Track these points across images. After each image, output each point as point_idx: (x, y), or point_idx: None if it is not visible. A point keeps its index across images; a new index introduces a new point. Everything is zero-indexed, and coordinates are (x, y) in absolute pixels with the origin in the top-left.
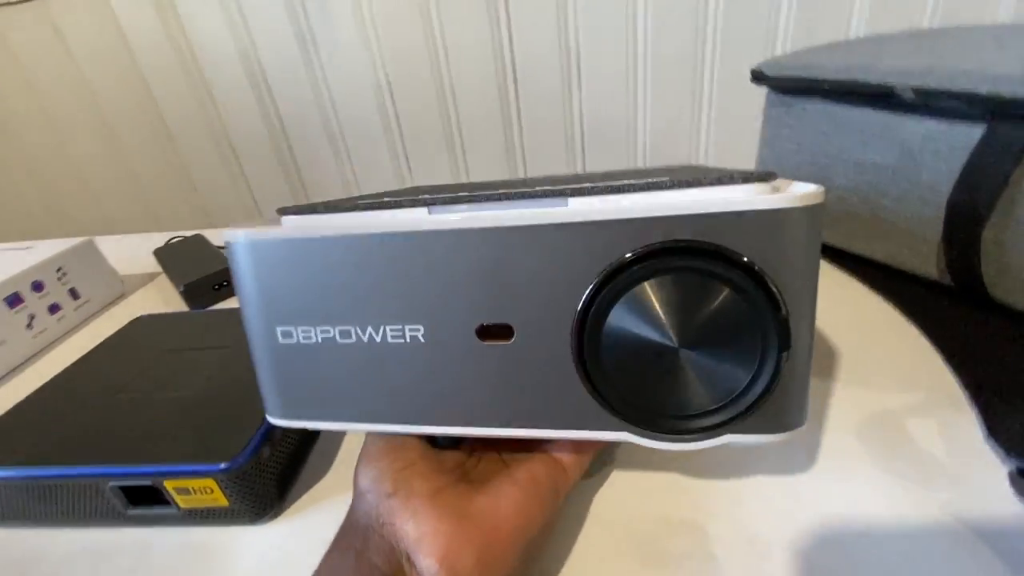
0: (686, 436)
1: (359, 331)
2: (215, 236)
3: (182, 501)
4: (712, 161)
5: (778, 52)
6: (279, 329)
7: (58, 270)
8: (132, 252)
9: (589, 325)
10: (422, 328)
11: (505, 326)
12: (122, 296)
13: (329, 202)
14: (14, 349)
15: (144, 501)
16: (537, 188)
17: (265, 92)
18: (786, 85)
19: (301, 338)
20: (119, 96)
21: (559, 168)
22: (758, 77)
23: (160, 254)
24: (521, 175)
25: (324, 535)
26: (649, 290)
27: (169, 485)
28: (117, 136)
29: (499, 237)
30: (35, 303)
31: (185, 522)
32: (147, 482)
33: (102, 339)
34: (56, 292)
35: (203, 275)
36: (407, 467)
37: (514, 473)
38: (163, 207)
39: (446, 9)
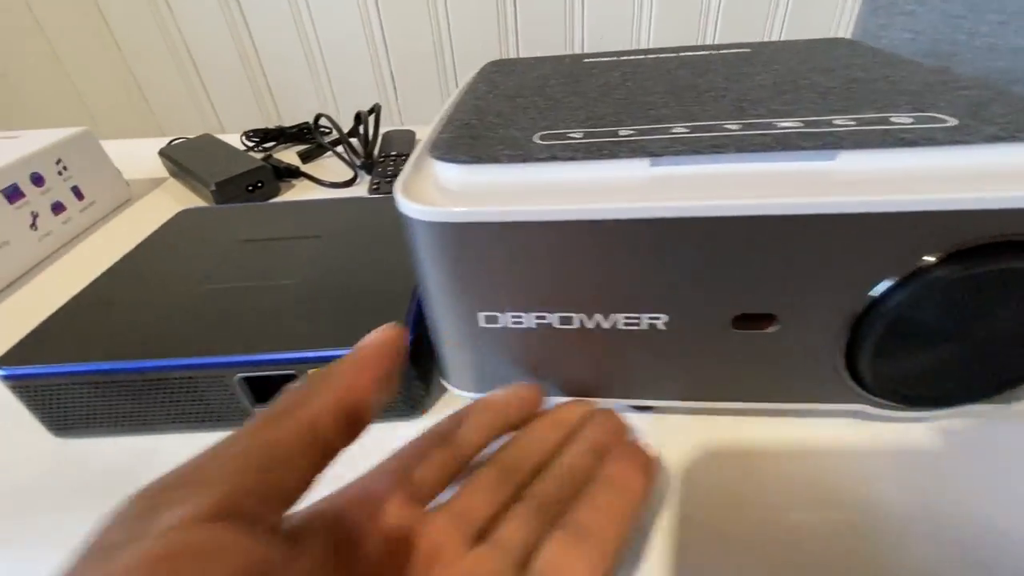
0: (924, 407)
1: (584, 319)
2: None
3: None
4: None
5: None
6: (482, 314)
7: (58, 162)
8: (128, 155)
9: (873, 318)
10: (666, 317)
11: (767, 315)
12: (128, 201)
13: (503, 139)
14: (20, 252)
15: (269, 397)
16: (771, 130)
17: (235, 7)
18: None
19: (510, 323)
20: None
21: None
22: None
23: (169, 155)
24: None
25: None
26: (957, 286)
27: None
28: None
29: (767, 227)
30: (37, 199)
31: None
32: (287, 371)
33: (116, 246)
34: (58, 189)
35: (234, 174)
36: None
37: None
38: (107, 119)
39: None
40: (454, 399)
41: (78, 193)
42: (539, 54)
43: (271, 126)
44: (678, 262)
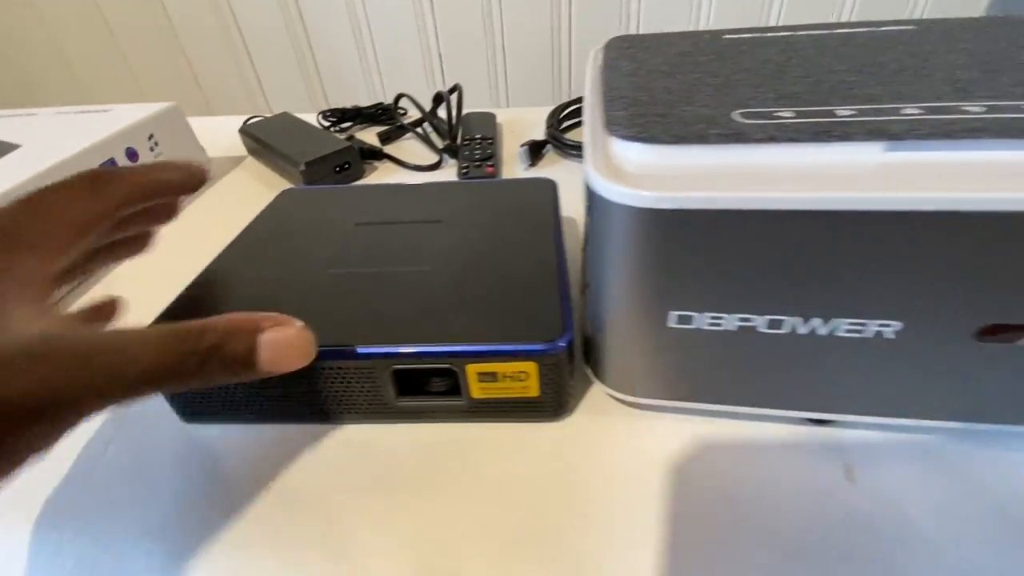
0: None
1: (799, 323)
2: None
3: (479, 390)
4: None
5: None
6: (674, 313)
7: (150, 137)
8: (203, 131)
9: None
10: (899, 325)
11: (1018, 327)
12: (211, 177)
13: (697, 117)
14: None
15: (412, 391)
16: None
17: None
18: None
19: (706, 324)
20: None
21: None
22: None
23: (251, 132)
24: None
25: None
26: None
27: (473, 370)
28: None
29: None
30: None
31: (467, 416)
32: (445, 364)
33: (208, 223)
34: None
35: (323, 154)
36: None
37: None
38: (156, 91)
39: None
40: (599, 398)
41: None
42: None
43: (326, 107)
44: (920, 262)
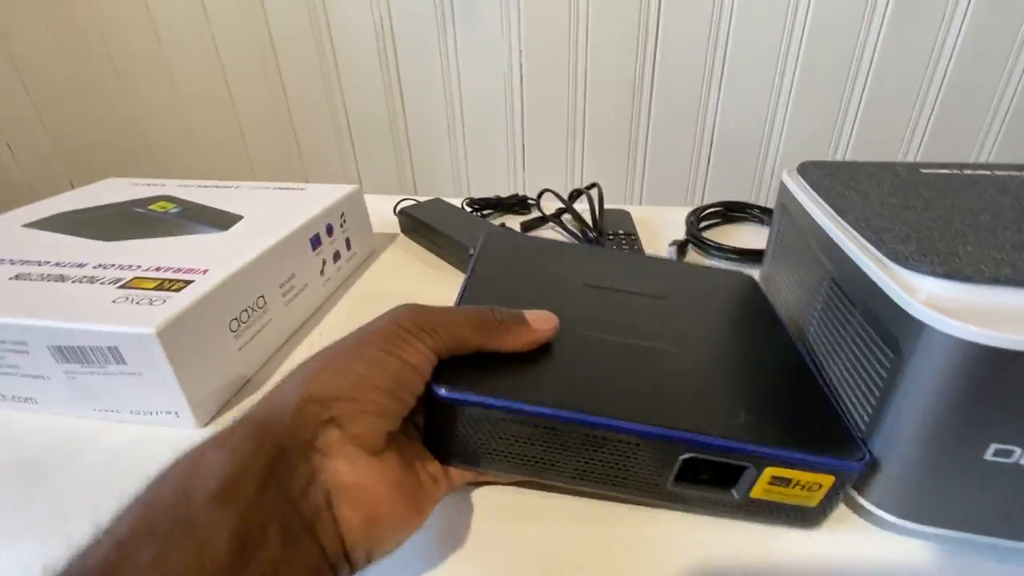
0: None
1: None
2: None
3: (763, 491)
4: None
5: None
6: (994, 446)
7: (341, 215)
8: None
9: None
10: None
11: None
12: (374, 252)
13: (988, 259)
14: (313, 294)
15: (687, 477)
16: None
17: (392, 66)
18: None
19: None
20: (243, 53)
21: (680, 166)
22: None
23: (411, 214)
24: (639, 170)
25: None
26: None
27: (770, 472)
28: (233, 91)
29: None
30: (328, 248)
31: (731, 512)
32: (744, 463)
33: (378, 292)
34: (339, 240)
35: None
36: (368, 411)
37: (428, 467)
38: (265, 168)
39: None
40: (847, 517)
41: (348, 244)
42: (666, 141)
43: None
44: None
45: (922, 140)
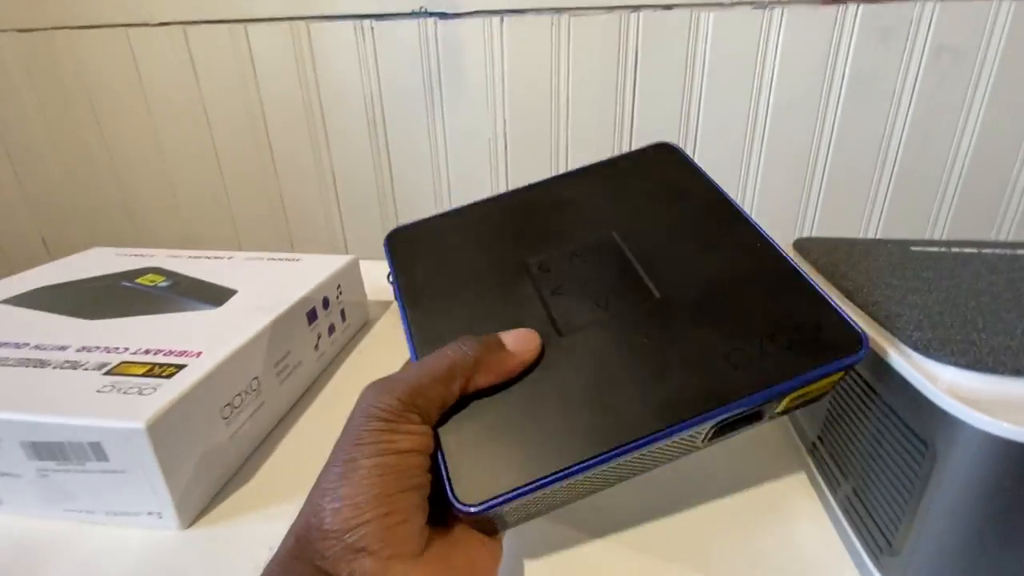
0: None
1: None
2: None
3: (784, 406)
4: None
5: (889, 150)
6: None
7: (337, 287)
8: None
9: None
10: None
11: None
12: (367, 323)
13: (1003, 347)
14: (307, 370)
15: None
16: None
17: (381, 134)
18: None
19: None
20: (234, 122)
21: None
22: None
23: None
24: None
25: None
26: None
27: (790, 396)
28: (220, 156)
29: None
30: (323, 321)
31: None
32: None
33: (374, 362)
34: (334, 312)
35: None
36: (391, 524)
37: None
38: (251, 234)
39: (575, 81)
40: None
41: (343, 315)
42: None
43: None
44: None
45: (882, 211)
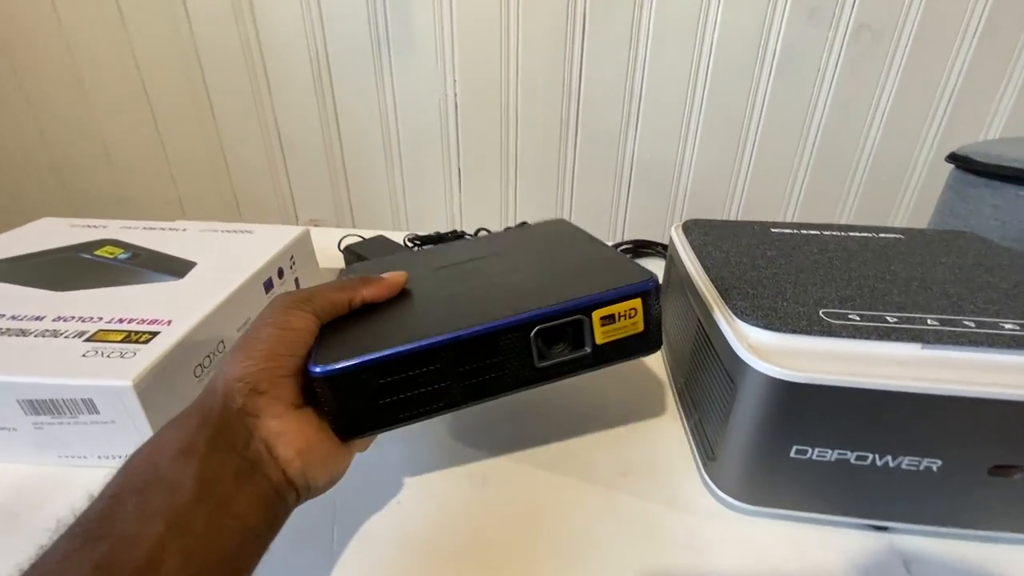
0: None
1: (876, 458)
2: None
3: (601, 335)
4: (744, 212)
5: (813, 121)
6: (795, 447)
7: (291, 258)
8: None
9: None
10: (939, 462)
11: (1014, 466)
12: None
13: (799, 314)
14: None
15: (547, 355)
16: (998, 330)
17: (328, 91)
18: (997, 172)
19: (815, 455)
20: (168, 72)
21: (603, 200)
22: (959, 160)
23: (356, 251)
24: (567, 204)
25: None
26: None
27: (598, 315)
28: (157, 113)
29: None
30: (279, 291)
31: (592, 364)
32: (578, 316)
33: None
34: (289, 281)
35: None
36: (285, 377)
37: None
38: (193, 194)
39: (524, 34)
40: (708, 504)
41: (297, 284)
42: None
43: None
44: (951, 425)
45: (807, 171)
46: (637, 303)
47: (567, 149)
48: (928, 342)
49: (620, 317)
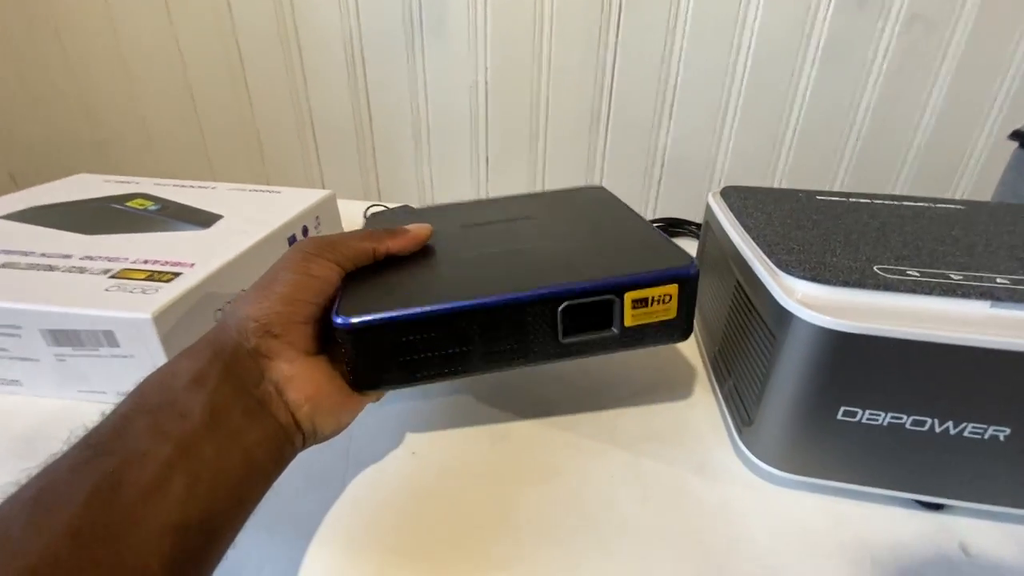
0: None
1: (936, 423)
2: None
3: (631, 317)
4: None
5: (858, 116)
6: (843, 408)
7: (316, 218)
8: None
9: None
10: (1008, 431)
11: None
12: None
13: (851, 268)
14: None
15: (573, 330)
16: None
17: (360, 76)
18: None
19: (865, 418)
20: (208, 58)
21: (633, 192)
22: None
23: (378, 220)
24: None
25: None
26: None
27: (630, 297)
28: (194, 91)
29: None
30: None
31: (618, 346)
32: (608, 296)
33: None
34: None
35: None
36: (301, 323)
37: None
38: (226, 173)
39: (558, 22)
40: (741, 472)
41: None
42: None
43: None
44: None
45: (850, 164)
46: (673, 289)
47: (597, 140)
48: (999, 299)
49: (654, 301)
